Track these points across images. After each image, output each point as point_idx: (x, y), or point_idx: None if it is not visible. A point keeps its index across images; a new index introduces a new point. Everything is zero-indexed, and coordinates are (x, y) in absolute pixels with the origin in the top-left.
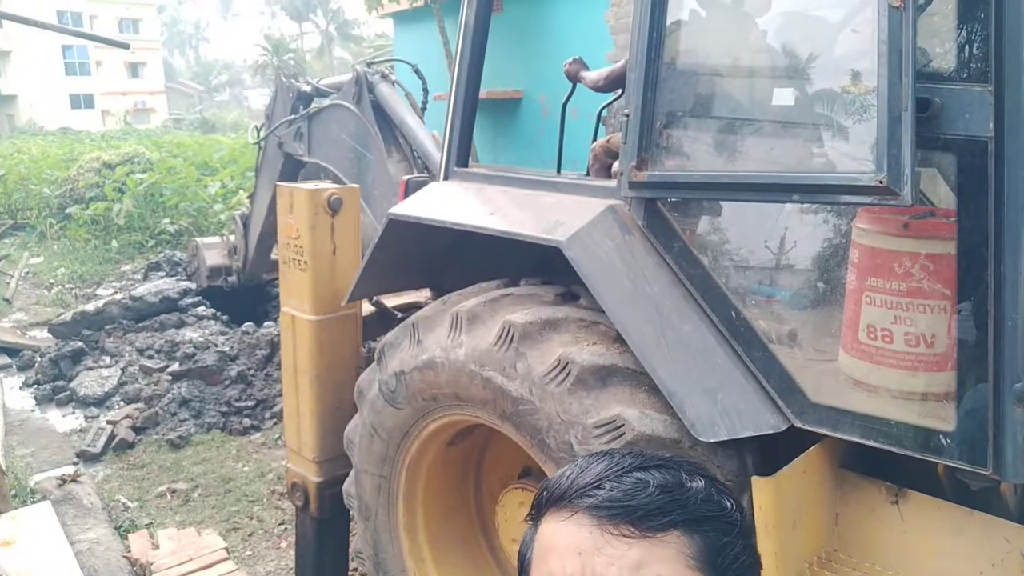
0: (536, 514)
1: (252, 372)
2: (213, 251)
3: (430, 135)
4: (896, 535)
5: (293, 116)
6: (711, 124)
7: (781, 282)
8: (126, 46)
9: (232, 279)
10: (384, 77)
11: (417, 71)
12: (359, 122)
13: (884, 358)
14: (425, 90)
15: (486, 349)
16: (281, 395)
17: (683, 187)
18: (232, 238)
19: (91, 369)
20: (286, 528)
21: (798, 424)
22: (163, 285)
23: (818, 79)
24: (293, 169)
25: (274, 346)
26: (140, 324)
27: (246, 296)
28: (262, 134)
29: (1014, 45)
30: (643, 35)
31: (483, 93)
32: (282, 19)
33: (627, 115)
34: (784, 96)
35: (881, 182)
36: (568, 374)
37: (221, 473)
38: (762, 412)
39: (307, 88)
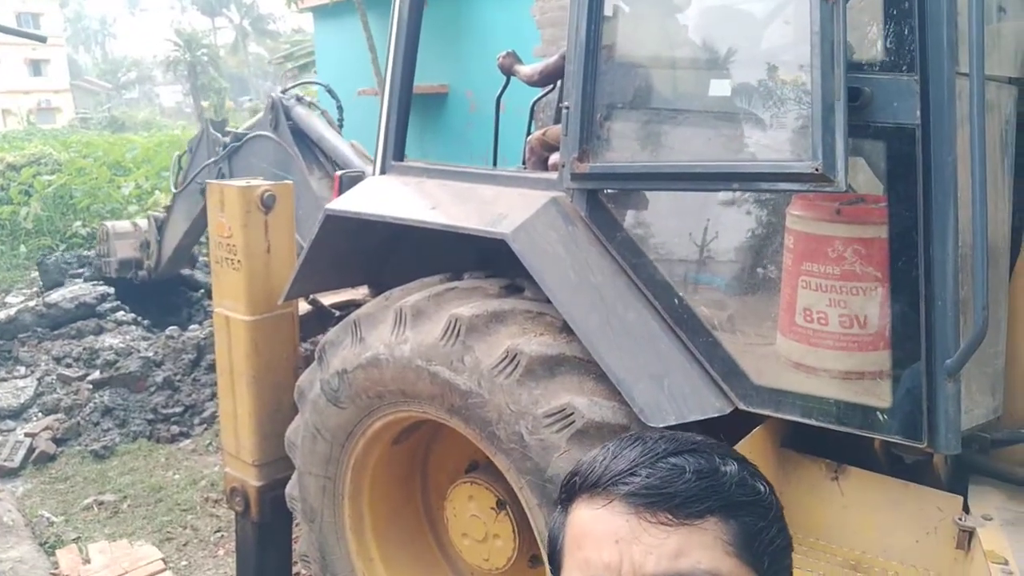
0: (566, 499)
1: (179, 377)
2: (125, 242)
3: (349, 145)
4: (836, 510)
5: (214, 159)
6: (650, 115)
7: (721, 269)
8: (43, 39)
9: (143, 274)
10: (299, 100)
11: (330, 91)
12: (278, 147)
13: (820, 340)
14: (339, 107)
15: (432, 344)
16: (211, 400)
17: (624, 178)
18: (143, 226)
19: (4, 380)
20: (223, 535)
21: (742, 406)
22: (79, 291)
23: (752, 70)
24: None
25: (201, 350)
26: (56, 332)
27: (163, 296)
28: (182, 163)
29: (937, 35)
30: (581, 27)
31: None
32: (193, 14)
33: (567, 107)
34: (721, 87)
35: (816, 169)
36: (517, 365)
37: (150, 483)
38: (707, 396)
39: (228, 139)
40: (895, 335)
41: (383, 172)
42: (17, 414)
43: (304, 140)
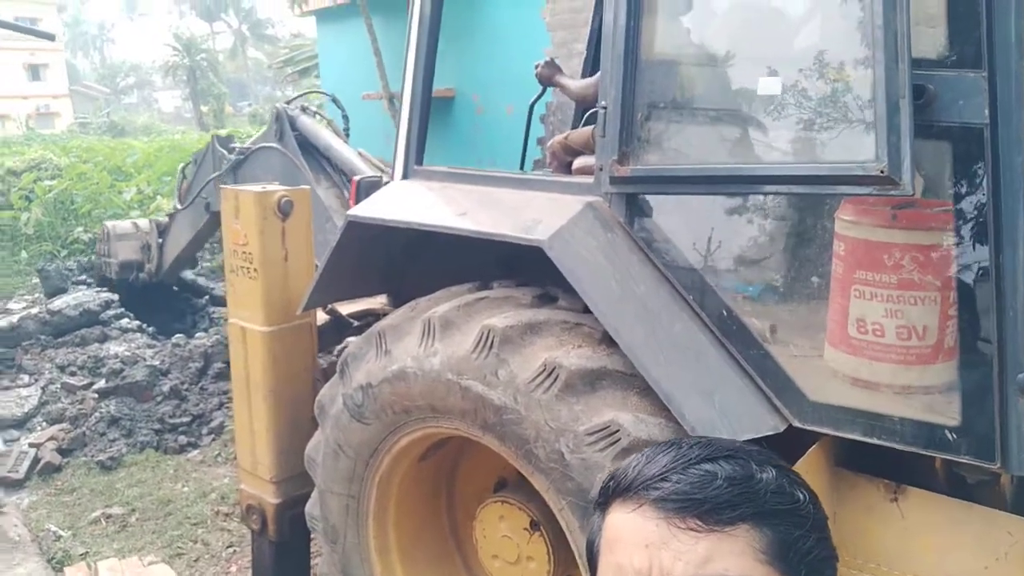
0: (603, 503)
1: (186, 386)
2: (126, 243)
3: (356, 153)
4: (896, 533)
5: (219, 173)
6: (695, 116)
7: (770, 278)
8: (51, 36)
9: (143, 276)
10: (304, 110)
11: (335, 100)
12: (284, 159)
13: (876, 352)
14: (345, 117)
15: (463, 356)
16: (219, 409)
17: (669, 181)
18: (145, 227)
19: (7, 389)
20: (235, 551)
21: (797, 424)
22: (83, 297)
23: (805, 66)
24: (216, 224)
25: (208, 358)
26: (59, 339)
27: (167, 302)
28: (187, 174)
29: (1005, 30)
30: (620, 22)
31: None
32: (192, 19)
33: (604, 107)
34: (770, 86)
35: (882, 171)
36: (555, 379)
37: (159, 495)
38: (760, 413)
39: (232, 156)
40: (963, 348)
41: (405, 177)
42: (21, 424)
43: (310, 150)
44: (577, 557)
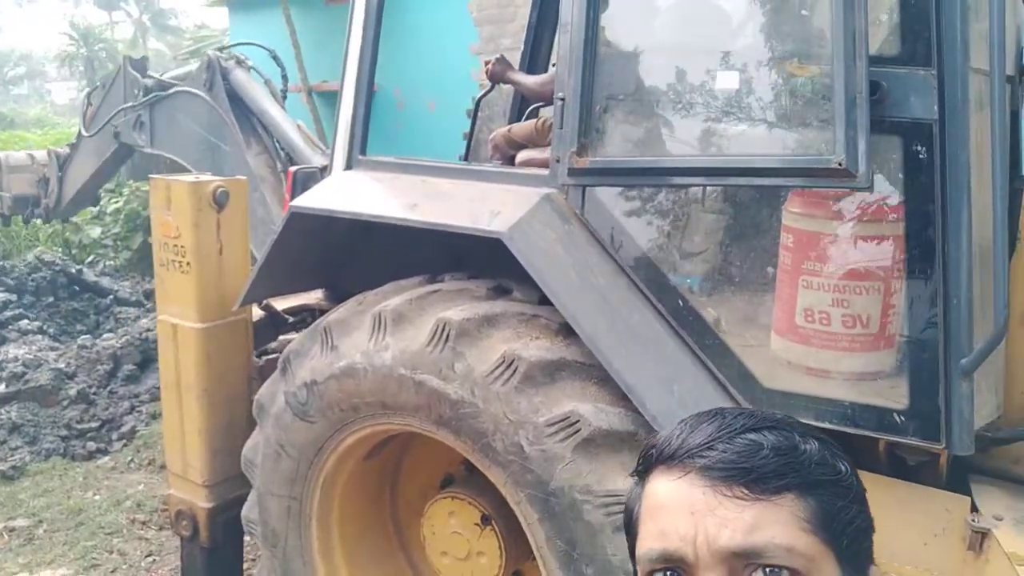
0: (643, 471)
1: (94, 390)
2: (20, 176)
3: (294, 125)
4: None
5: (132, 104)
6: (655, 107)
7: (725, 269)
8: None
9: (39, 211)
10: (239, 63)
11: (275, 57)
12: (212, 111)
13: (822, 340)
14: (284, 77)
15: (417, 351)
16: (130, 413)
17: (630, 173)
18: (42, 159)
19: None
20: (154, 560)
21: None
22: None
23: (764, 60)
24: (123, 156)
25: (117, 360)
26: None
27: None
28: (92, 101)
29: (952, 30)
30: (579, 13)
31: (332, 85)
32: (88, 7)
33: (562, 99)
34: (728, 79)
35: (840, 164)
36: (515, 371)
37: (68, 505)
38: (718, 401)
39: (151, 82)
40: (910, 334)
41: (348, 167)
42: None
43: (242, 108)
44: (535, 549)
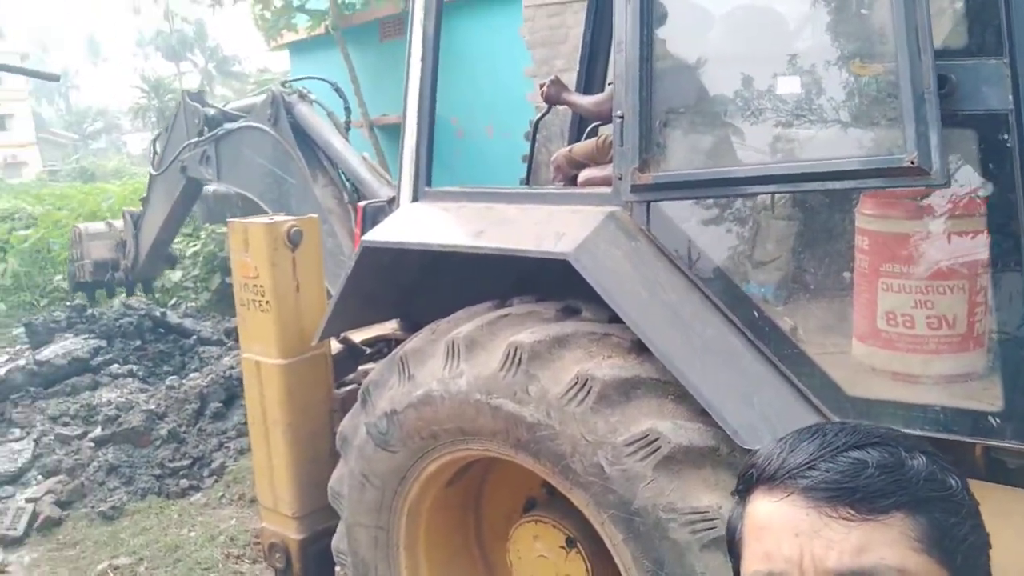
0: (744, 490)
1: (184, 429)
2: (98, 242)
3: (359, 157)
4: None
5: (197, 139)
6: (716, 118)
7: (796, 276)
8: (56, 77)
9: (119, 275)
10: (302, 97)
11: (338, 89)
12: (277, 145)
13: (908, 343)
14: (347, 109)
15: (491, 375)
16: (219, 450)
17: (695, 186)
18: (120, 227)
19: None
20: None
21: (837, 420)
22: (70, 345)
23: (825, 62)
24: (193, 193)
25: (204, 398)
26: (49, 390)
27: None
28: (158, 147)
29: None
30: (633, 30)
31: (394, 117)
32: (157, 60)
33: (620, 117)
34: (789, 84)
35: (912, 162)
36: (589, 391)
37: (165, 542)
38: (800, 412)
39: (214, 112)
40: (1000, 333)
41: (415, 199)
42: (15, 479)
43: (307, 142)
44: (622, 571)
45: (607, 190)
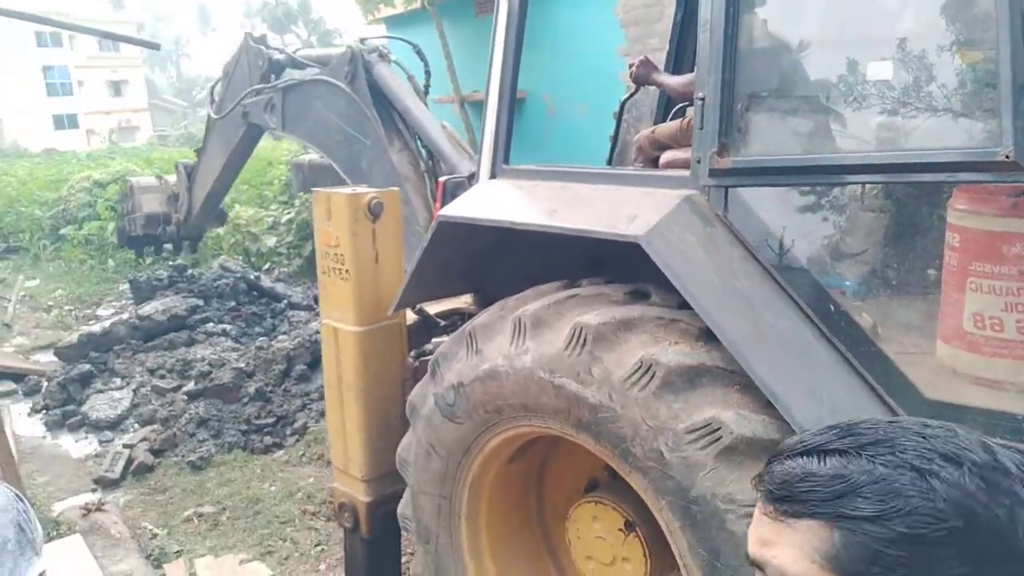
0: None
1: (270, 388)
2: (150, 196)
3: (439, 126)
4: None
5: (263, 85)
6: (799, 104)
7: (878, 271)
8: (156, 46)
9: (171, 229)
10: (382, 56)
11: (419, 52)
12: (352, 103)
13: (995, 348)
14: (427, 72)
15: (555, 355)
16: (301, 411)
17: (776, 172)
18: (172, 181)
19: (101, 392)
20: (323, 550)
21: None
22: (170, 303)
23: (920, 49)
24: (254, 138)
25: (290, 360)
26: (149, 344)
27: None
28: (216, 94)
29: None
30: (717, 12)
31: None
32: (263, 31)
33: (701, 98)
34: (880, 70)
35: (1007, 156)
36: (652, 376)
37: (247, 494)
38: (871, 411)
39: (280, 57)
40: None
41: (493, 176)
42: (115, 425)
43: (384, 103)
44: (677, 557)
45: (685, 173)
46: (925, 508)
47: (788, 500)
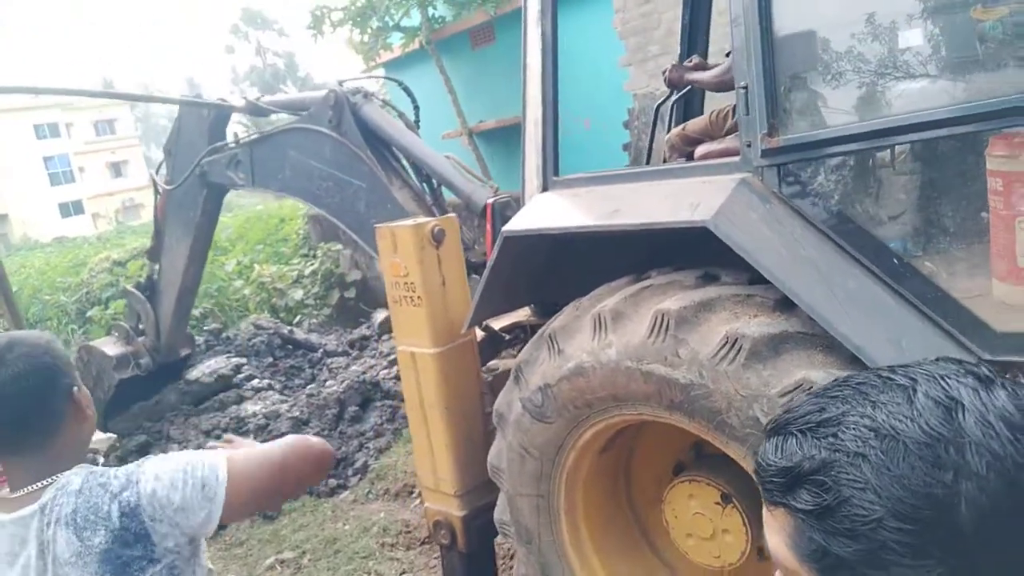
0: None
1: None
2: (108, 345)
3: (442, 158)
4: None
5: (221, 143)
6: (839, 78)
7: (933, 222)
8: (201, 102)
9: (144, 361)
10: (367, 97)
11: (407, 89)
12: (338, 148)
13: None
14: (416, 108)
15: (640, 343)
16: (359, 451)
17: (825, 143)
18: (124, 326)
19: None
20: None
21: (988, 357)
22: (214, 364)
23: (945, 11)
24: (217, 201)
25: (342, 404)
26: (200, 407)
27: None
28: (162, 173)
29: None
30: (751, 4)
31: (492, 123)
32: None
33: (744, 87)
34: (912, 36)
35: None
36: (739, 349)
37: (323, 536)
38: (950, 351)
39: (241, 104)
40: None
41: (544, 189)
42: None
43: (374, 143)
44: None
45: (735, 159)
46: (857, 499)
47: (763, 487)
